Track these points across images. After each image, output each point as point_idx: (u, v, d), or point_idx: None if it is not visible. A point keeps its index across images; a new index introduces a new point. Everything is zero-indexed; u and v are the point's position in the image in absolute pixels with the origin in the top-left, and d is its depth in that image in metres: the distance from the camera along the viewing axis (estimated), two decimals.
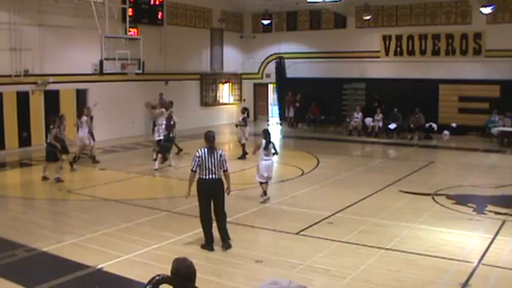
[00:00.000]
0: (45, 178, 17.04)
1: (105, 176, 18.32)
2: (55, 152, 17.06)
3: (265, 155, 14.55)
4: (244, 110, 22.01)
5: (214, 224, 10.61)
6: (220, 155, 10.56)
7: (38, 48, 23.43)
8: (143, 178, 17.22)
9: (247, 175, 17.69)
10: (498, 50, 27.64)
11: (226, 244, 10.48)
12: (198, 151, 10.56)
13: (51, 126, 17.39)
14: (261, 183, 14.54)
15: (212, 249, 10.38)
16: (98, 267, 9.47)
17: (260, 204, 14.20)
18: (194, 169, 10.49)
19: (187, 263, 5.10)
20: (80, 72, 25.09)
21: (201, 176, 10.50)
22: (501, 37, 27.47)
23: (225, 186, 10.74)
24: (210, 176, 10.44)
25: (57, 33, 24.10)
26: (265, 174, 14.48)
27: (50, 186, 16.70)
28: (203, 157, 10.45)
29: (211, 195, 10.55)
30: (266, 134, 14.73)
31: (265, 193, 14.49)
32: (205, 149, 10.56)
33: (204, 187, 10.49)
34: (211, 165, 10.43)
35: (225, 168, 10.66)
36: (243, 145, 21.33)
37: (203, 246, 10.46)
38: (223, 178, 10.66)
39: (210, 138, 10.75)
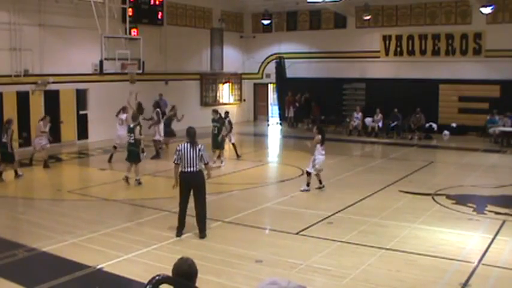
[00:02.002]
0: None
1: (105, 176, 18.32)
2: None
3: (323, 149, 15.52)
4: (227, 114, 21.50)
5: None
6: (199, 149, 11.14)
7: (38, 48, 23.43)
8: (143, 178, 17.18)
9: (247, 175, 17.69)
10: (498, 50, 27.64)
11: (202, 234, 11.17)
12: (179, 145, 11.32)
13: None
14: (309, 173, 15.48)
15: (179, 236, 11.20)
16: (98, 267, 9.47)
17: (260, 204, 14.20)
18: (176, 162, 11.28)
19: (189, 263, 5.09)
20: (80, 72, 25.09)
21: (182, 169, 11.16)
22: (501, 37, 27.47)
23: (206, 176, 11.43)
24: (190, 169, 11.06)
25: (57, 33, 24.10)
26: (321, 167, 15.68)
27: (50, 187, 16.70)
28: (183, 151, 11.12)
29: (190, 186, 11.18)
30: (321, 130, 15.73)
31: (308, 184, 15.50)
32: (187, 144, 11.20)
33: (184, 179, 11.19)
34: (191, 159, 11.04)
35: (205, 162, 11.35)
36: (234, 145, 21.33)
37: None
38: (204, 171, 11.32)
39: (191, 134, 11.37)
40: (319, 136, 15.48)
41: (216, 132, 20.14)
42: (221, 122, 20.38)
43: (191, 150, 11.06)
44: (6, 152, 17.02)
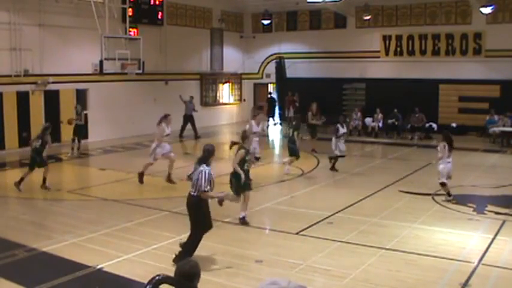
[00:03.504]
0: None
1: (105, 176, 18.31)
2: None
3: (448, 157, 14.51)
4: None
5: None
6: (201, 171, 9.56)
7: (37, 48, 23.42)
8: (143, 178, 17.18)
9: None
10: (498, 50, 27.65)
11: (175, 258, 9.47)
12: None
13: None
14: (443, 184, 14.50)
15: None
16: (98, 267, 9.47)
17: (260, 204, 14.20)
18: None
19: (191, 264, 5.10)
20: (79, 72, 25.08)
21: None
22: (501, 37, 27.46)
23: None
24: (190, 190, 9.81)
25: (57, 33, 24.10)
26: (450, 175, 14.66)
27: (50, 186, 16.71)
28: (194, 169, 10.11)
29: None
30: (447, 137, 14.75)
31: (449, 193, 14.50)
32: (200, 161, 10.01)
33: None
34: (193, 180, 9.75)
35: (201, 189, 9.53)
36: None
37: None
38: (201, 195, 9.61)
39: (203, 151, 10.12)
40: (444, 144, 14.43)
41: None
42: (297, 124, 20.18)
43: (197, 170, 9.76)
44: (36, 158, 16.13)
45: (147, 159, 17.00)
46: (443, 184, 14.52)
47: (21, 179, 16.01)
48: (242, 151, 12.34)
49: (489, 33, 28.23)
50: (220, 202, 11.62)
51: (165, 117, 17.06)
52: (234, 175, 12.32)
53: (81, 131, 22.82)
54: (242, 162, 12.33)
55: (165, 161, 16.96)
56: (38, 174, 16.52)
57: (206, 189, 9.45)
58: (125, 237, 11.26)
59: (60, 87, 24.47)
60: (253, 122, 17.49)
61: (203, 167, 9.64)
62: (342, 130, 19.00)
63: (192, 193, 9.65)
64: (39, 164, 16.18)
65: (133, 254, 10.16)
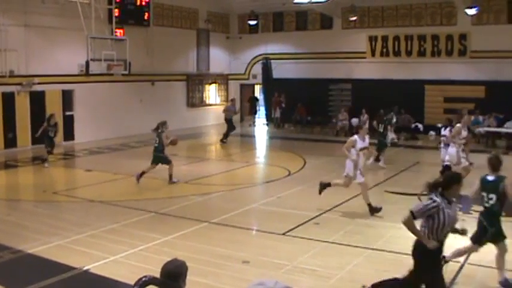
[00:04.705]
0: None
1: (91, 177, 18.23)
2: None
3: None
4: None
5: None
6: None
7: (23, 48, 23.29)
8: (130, 179, 17.16)
9: (234, 176, 17.68)
10: (483, 51, 27.81)
11: None
12: (434, 198, 7.30)
13: None
14: None
15: None
16: (84, 268, 9.43)
17: (246, 205, 14.23)
18: (416, 216, 7.33)
19: (177, 264, 5.10)
20: (65, 73, 24.97)
21: (433, 236, 7.29)
22: (486, 38, 27.62)
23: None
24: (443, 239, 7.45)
25: (42, 33, 23.97)
26: None
27: (35, 188, 16.62)
28: (443, 211, 7.25)
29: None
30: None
31: None
32: (445, 200, 7.33)
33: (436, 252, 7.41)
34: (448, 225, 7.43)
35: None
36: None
37: None
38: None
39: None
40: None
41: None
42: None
43: (451, 211, 7.41)
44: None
45: (133, 161, 16.94)
46: None
47: None
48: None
49: (474, 34, 28.40)
50: None
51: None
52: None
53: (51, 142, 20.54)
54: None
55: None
56: (23, 175, 16.46)
57: None
58: (111, 238, 11.22)
59: (46, 88, 24.36)
60: (356, 137, 13.77)
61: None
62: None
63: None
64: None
65: (120, 255, 10.13)
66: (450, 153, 16.31)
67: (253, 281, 4.03)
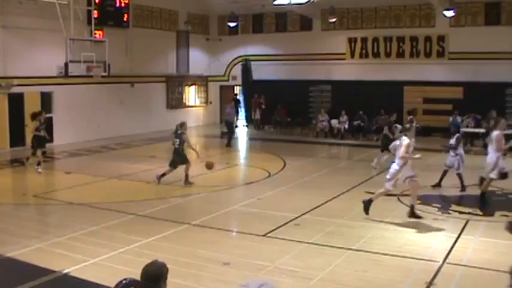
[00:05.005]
0: None
1: (71, 180, 18.13)
2: None
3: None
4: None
5: None
6: None
7: (1, 50, 23.11)
8: (109, 181, 17.10)
9: (214, 178, 17.67)
10: (461, 52, 28.11)
11: None
12: None
13: None
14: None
15: None
16: (64, 272, 9.38)
17: (227, 206, 14.25)
18: None
19: (158, 265, 5.11)
20: (44, 74, 24.76)
21: None
22: (464, 40, 27.95)
23: None
24: None
25: (20, 35, 23.78)
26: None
27: (14, 191, 16.50)
28: None
29: None
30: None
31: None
32: None
33: None
34: None
35: None
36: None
37: None
38: None
39: None
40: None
41: None
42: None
43: None
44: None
45: (112, 163, 16.88)
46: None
47: None
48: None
49: (452, 36, 28.69)
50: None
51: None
52: None
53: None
54: None
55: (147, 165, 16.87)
56: (2, 178, 16.32)
57: None
58: (91, 241, 11.16)
59: (25, 90, 24.14)
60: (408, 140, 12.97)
61: None
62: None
63: None
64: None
65: (100, 258, 10.08)
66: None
67: (242, 282, 4.04)
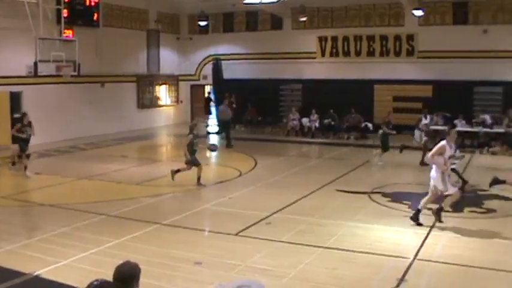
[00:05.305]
0: None
1: (41, 181, 17.95)
2: None
3: None
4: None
5: None
6: None
7: None
8: (79, 182, 16.98)
9: (185, 177, 17.63)
10: (430, 51, 28.42)
11: None
12: None
13: None
14: None
15: None
16: (35, 273, 9.30)
17: (198, 206, 14.26)
18: None
19: (129, 266, 5.10)
20: (13, 74, 24.47)
21: None
22: (432, 39, 28.23)
23: None
24: None
25: None
26: None
27: None
28: None
29: None
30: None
31: None
32: None
33: None
34: None
35: None
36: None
37: None
38: None
39: None
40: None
41: None
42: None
43: None
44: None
45: (82, 163, 16.76)
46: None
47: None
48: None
49: (421, 35, 28.96)
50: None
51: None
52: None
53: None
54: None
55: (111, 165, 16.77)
56: None
57: None
58: (62, 242, 11.07)
59: None
60: (445, 143, 12.17)
61: None
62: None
63: None
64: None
65: (71, 259, 10.01)
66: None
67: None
